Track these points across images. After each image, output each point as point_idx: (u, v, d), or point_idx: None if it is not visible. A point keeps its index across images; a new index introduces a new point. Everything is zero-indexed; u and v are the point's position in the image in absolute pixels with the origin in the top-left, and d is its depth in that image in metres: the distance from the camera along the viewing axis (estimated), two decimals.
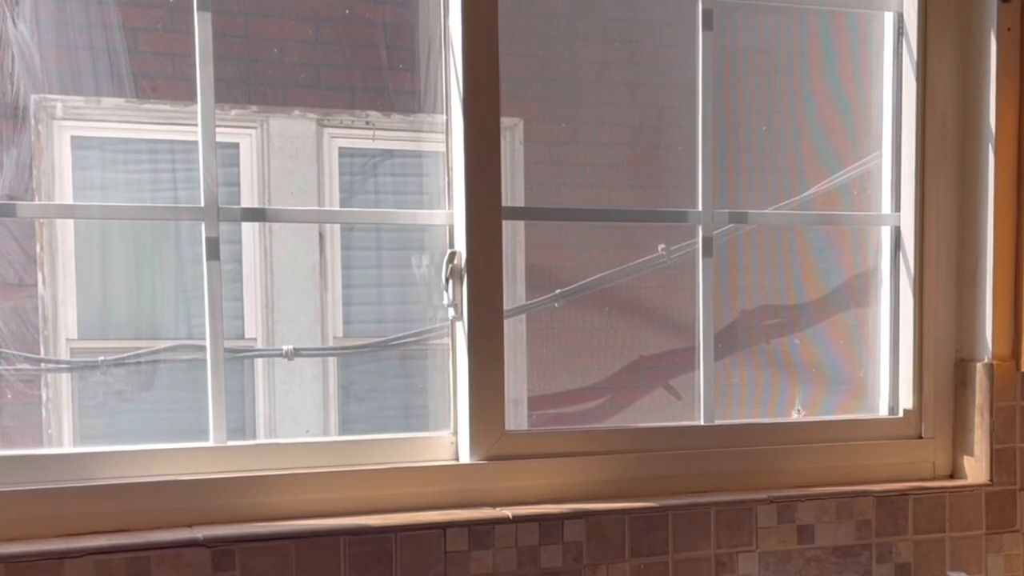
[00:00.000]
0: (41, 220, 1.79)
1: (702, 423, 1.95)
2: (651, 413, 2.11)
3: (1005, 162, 1.98)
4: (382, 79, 2.04)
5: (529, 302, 1.99)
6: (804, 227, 2.14)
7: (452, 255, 1.77)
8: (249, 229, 1.95)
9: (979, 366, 1.98)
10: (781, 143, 2.12)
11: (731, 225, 2.01)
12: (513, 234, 1.92)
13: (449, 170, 1.79)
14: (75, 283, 1.94)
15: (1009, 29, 1.97)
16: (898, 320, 2.04)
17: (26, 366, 1.80)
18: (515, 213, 1.88)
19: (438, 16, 1.79)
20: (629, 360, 2.04)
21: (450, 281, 1.77)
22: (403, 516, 1.68)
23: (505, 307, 1.81)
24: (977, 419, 1.97)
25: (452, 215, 1.79)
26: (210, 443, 1.68)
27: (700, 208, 1.94)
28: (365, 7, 1.97)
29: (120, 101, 1.84)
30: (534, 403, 1.98)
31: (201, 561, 1.54)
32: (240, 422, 1.80)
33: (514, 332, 1.94)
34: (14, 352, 1.75)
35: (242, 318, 1.94)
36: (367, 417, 2.13)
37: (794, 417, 2.03)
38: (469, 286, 1.76)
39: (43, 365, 1.86)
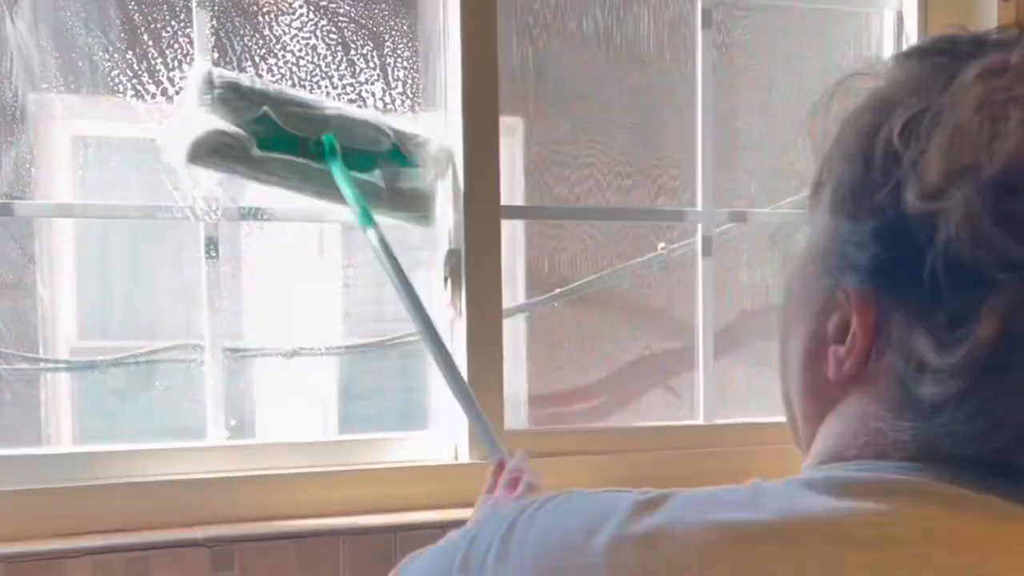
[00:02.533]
0: (40, 219, 1.79)
1: (702, 423, 1.94)
2: (651, 413, 2.11)
3: None
4: (381, 78, 2.04)
5: (528, 301, 1.99)
6: (803, 226, 2.13)
7: (451, 254, 1.77)
8: (248, 228, 1.95)
9: None
10: (781, 142, 2.12)
11: (730, 224, 2.01)
12: (513, 233, 1.92)
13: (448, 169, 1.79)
14: (74, 283, 1.94)
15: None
16: None
17: (25, 366, 1.79)
18: (514, 212, 1.88)
19: (437, 13, 1.79)
20: (629, 360, 2.04)
21: (449, 280, 1.76)
22: (403, 516, 1.68)
23: (504, 306, 1.81)
24: None
25: (451, 214, 1.79)
26: (209, 443, 1.67)
27: (700, 207, 1.94)
28: (364, 5, 1.97)
29: (119, 100, 1.84)
30: (533, 402, 1.98)
31: (200, 561, 1.53)
32: (239, 421, 1.80)
33: (513, 331, 1.94)
34: (13, 352, 1.75)
35: (241, 317, 1.93)
36: (366, 417, 2.13)
37: None
38: (468, 285, 1.76)
39: (42, 365, 1.86)
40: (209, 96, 1.57)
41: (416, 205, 1.72)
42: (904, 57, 0.72)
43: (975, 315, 0.62)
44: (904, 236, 0.65)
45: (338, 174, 1.62)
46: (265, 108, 1.60)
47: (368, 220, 1.58)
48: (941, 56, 0.69)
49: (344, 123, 1.66)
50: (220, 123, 1.57)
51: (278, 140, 1.61)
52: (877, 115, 0.69)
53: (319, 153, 1.63)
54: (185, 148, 1.56)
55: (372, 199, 1.65)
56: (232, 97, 1.58)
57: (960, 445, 0.65)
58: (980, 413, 0.63)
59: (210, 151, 1.56)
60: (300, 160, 1.63)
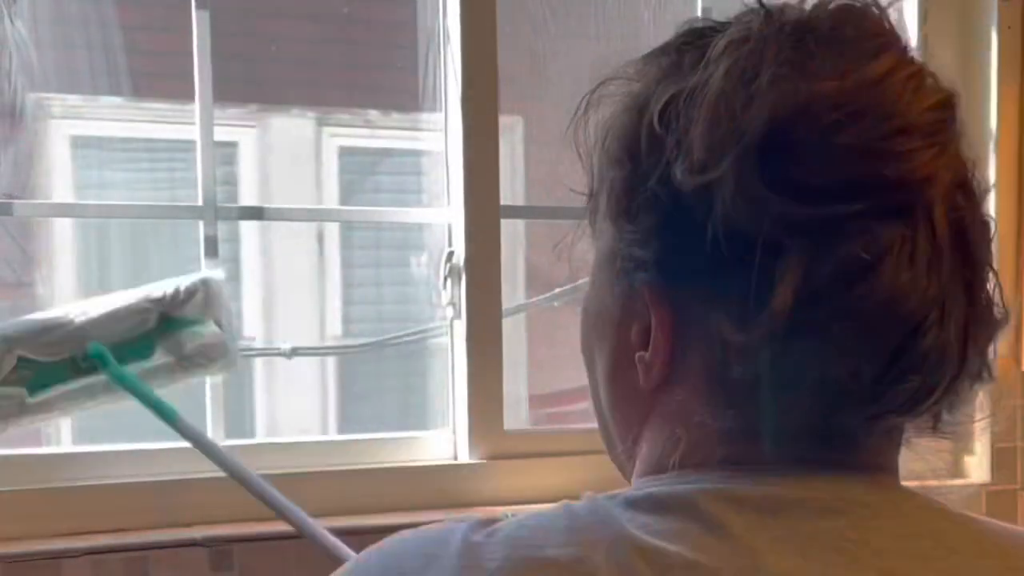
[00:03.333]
0: (39, 219, 1.79)
1: None
2: None
3: (1006, 161, 1.97)
4: (381, 77, 2.04)
5: (528, 301, 1.99)
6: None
7: (450, 254, 1.76)
8: (248, 228, 1.95)
9: None
10: None
11: None
12: (513, 233, 1.92)
13: (448, 168, 1.79)
14: (74, 283, 1.94)
15: (1010, 27, 1.96)
16: None
17: None
18: (514, 212, 1.88)
19: (436, 13, 1.79)
20: None
21: (448, 280, 1.76)
22: (402, 516, 1.68)
23: (504, 306, 1.80)
24: (977, 418, 1.96)
25: (451, 214, 1.79)
26: None
27: None
28: (364, 5, 1.96)
29: (118, 100, 1.84)
30: (533, 402, 1.98)
31: (199, 561, 1.53)
32: (239, 421, 1.80)
33: (513, 331, 1.94)
34: None
35: (241, 317, 1.93)
36: (366, 416, 2.13)
37: None
38: (467, 285, 1.76)
39: None
40: None
41: (212, 358, 1.57)
42: (652, 55, 0.71)
43: (769, 284, 0.61)
44: (683, 219, 0.64)
45: (119, 379, 1.49)
46: (17, 351, 1.46)
47: (170, 415, 1.49)
48: (687, 44, 0.69)
49: (100, 323, 1.51)
50: None
51: (46, 375, 1.49)
52: (635, 113, 0.68)
53: (92, 366, 1.49)
54: None
55: (164, 377, 1.53)
56: None
57: (780, 420, 0.64)
58: (791, 383, 0.62)
59: None
60: (79, 383, 1.50)
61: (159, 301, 1.53)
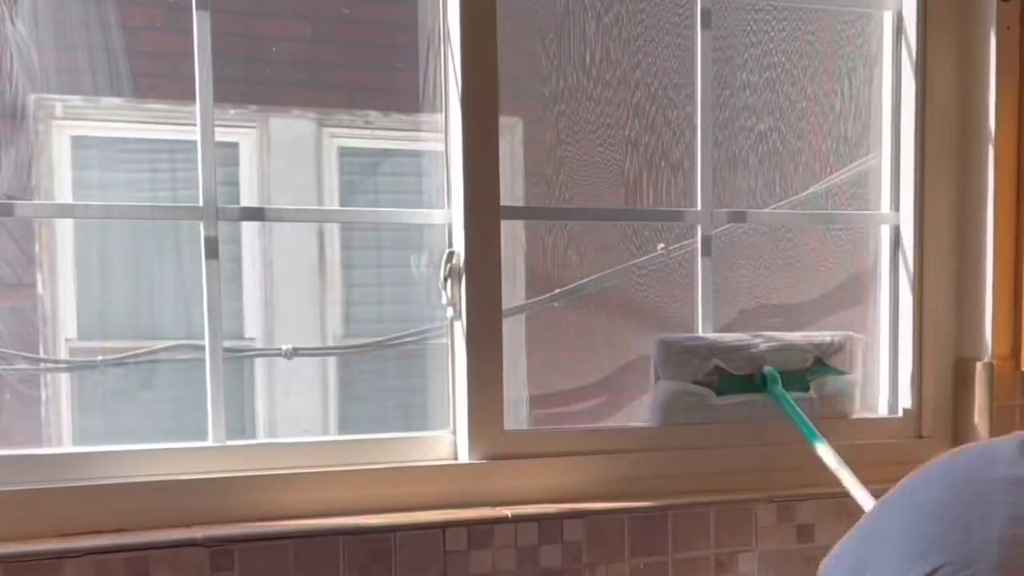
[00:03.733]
0: (40, 220, 1.79)
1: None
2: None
3: (1005, 161, 1.98)
4: (381, 78, 2.04)
5: (528, 301, 1.99)
6: (803, 226, 2.13)
7: (450, 255, 1.77)
8: (248, 228, 1.95)
9: (979, 365, 1.97)
10: (780, 142, 2.11)
11: (730, 224, 2.01)
12: (513, 233, 1.92)
13: (448, 169, 1.79)
14: (74, 283, 1.94)
15: (1009, 28, 1.97)
16: (897, 319, 2.04)
17: (25, 366, 1.80)
18: (514, 212, 1.88)
19: (436, 13, 1.79)
20: (629, 359, 2.03)
21: (448, 280, 1.77)
22: (402, 516, 1.68)
23: (504, 306, 1.81)
24: (977, 418, 1.96)
25: (451, 214, 1.79)
26: (209, 443, 1.68)
27: (699, 207, 1.94)
28: (364, 6, 1.97)
29: (119, 101, 1.84)
30: (533, 402, 1.98)
31: (200, 561, 1.54)
32: (239, 421, 1.80)
33: (513, 331, 1.94)
34: (13, 352, 1.75)
35: (241, 317, 1.94)
36: (366, 416, 2.13)
37: None
38: (467, 285, 1.76)
39: (42, 365, 1.86)
40: (670, 361, 1.85)
41: (839, 402, 1.96)
42: None
43: None
44: None
45: (781, 399, 1.86)
46: (716, 361, 1.87)
47: (814, 437, 1.79)
48: None
49: (775, 352, 1.90)
50: (681, 384, 1.87)
51: (727, 384, 1.88)
52: None
53: (762, 385, 1.89)
54: (659, 414, 1.87)
55: (804, 406, 1.87)
56: (687, 359, 1.86)
57: None
58: None
59: (683, 408, 1.86)
60: (747, 396, 1.89)
61: (819, 345, 1.94)
